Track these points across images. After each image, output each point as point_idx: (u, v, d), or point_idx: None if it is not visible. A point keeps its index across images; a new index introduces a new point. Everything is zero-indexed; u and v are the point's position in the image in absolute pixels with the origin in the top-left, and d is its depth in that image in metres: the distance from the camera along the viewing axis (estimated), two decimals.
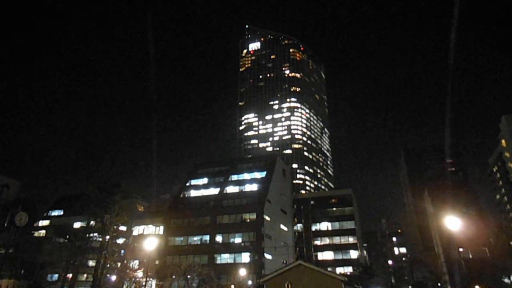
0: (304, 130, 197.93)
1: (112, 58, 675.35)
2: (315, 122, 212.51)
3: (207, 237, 67.94)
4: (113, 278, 48.27)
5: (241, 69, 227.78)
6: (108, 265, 44.62)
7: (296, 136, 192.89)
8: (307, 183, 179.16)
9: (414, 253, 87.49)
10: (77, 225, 74.45)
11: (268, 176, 76.33)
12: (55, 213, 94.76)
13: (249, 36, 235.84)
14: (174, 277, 52.53)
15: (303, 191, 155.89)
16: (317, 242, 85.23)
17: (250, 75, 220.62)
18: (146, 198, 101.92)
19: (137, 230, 74.96)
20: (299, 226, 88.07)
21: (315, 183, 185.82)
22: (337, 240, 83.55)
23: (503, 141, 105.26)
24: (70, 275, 53.53)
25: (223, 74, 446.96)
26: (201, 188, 79.79)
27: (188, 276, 50.77)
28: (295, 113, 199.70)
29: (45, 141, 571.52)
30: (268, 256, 63.49)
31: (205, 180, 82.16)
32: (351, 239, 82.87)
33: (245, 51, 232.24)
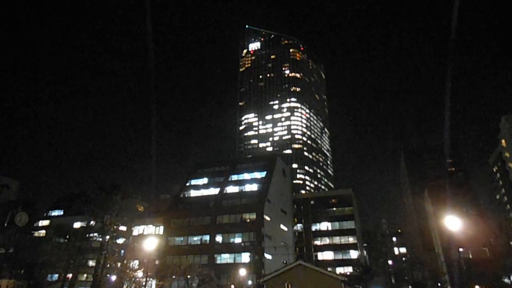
0: (304, 130, 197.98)
1: (112, 59, 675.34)
2: (315, 122, 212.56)
3: (207, 237, 67.91)
4: (113, 278, 48.22)
5: (241, 69, 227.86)
6: (108, 265, 44.53)
7: (296, 136, 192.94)
8: (307, 183, 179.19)
9: (414, 253, 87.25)
10: (77, 225, 74.37)
11: (268, 176, 76.31)
12: (55, 213, 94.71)
13: (249, 36, 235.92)
14: (174, 277, 52.51)
15: (303, 191, 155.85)
16: (317, 242, 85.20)
17: (250, 75, 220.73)
18: (146, 198, 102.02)
19: (137, 230, 74.94)
20: (299, 226, 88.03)
21: (315, 183, 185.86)
22: (337, 240, 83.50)
23: (503, 141, 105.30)
24: (70, 275, 53.46)
25: (223, 74, 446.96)
26: (201, 188, 79.76)
27: (188, 276, 50.76)
28: (295, 113, 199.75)
29: (45, 141, 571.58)
30: (268, 256, 63.46)
31: (205, 180, 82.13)
32: (351, 239, 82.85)
33: (245, 51, 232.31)
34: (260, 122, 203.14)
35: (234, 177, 79.97)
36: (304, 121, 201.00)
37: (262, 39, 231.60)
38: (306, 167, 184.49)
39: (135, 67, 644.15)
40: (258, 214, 66.43)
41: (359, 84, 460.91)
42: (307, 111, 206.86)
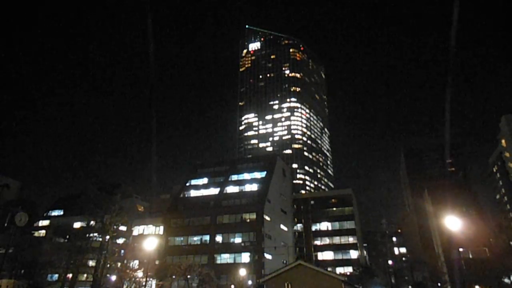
0: (304, 130, 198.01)
1: (112, 58, 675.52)
2: (315, 122, 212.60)
3: (207, 237, 67.92)
4: (113, 278, 48.28)
5: (241, 69, 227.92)
6: (108, 265, 44.61)
7: (296, 136, 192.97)
8: (307, 183, 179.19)
9: (414, 253, 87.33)
10: (77, 225, 74.39)
11: (268, 176, 76.31)
12: (55, 213, 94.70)
13: (249, 36, 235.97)
14: (174, 277, 52.51)
15: (303, 191, 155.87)
16: (317, 242, 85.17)
17: (250, 75, 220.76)
18: (146, 198, 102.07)
19: (137, 230, 74.97)
20: (299, 226, 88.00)
21: (315, 183, 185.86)
22: (337, 240, 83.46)
23: (503, 141, 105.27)
24: (70, 275, 53.50)
25: (223, 74, 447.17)
26: (201, 188, 79.77)
27: (188, 276, 50.74)
28: (295, 113, 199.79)
29: (45, 141, 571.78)
30: (268, 256, 63.47)
31: (205, 180, 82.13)
32: (351, 239, 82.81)
33: (245, 51, 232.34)
34: (260, 122, 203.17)
35: (234, 177, 79.97)
36: (304, 121, 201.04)
37: (262, 39, 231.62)
38: (306, 167, 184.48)
39: (135, 67, 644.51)
40: (258, 214, 66.43)
41: (359, 84, 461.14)
42: (307, 111, 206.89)
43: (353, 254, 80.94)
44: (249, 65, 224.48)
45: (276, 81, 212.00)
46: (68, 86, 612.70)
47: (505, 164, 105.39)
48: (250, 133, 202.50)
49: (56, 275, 62.89)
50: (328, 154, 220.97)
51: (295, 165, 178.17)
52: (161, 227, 72.35)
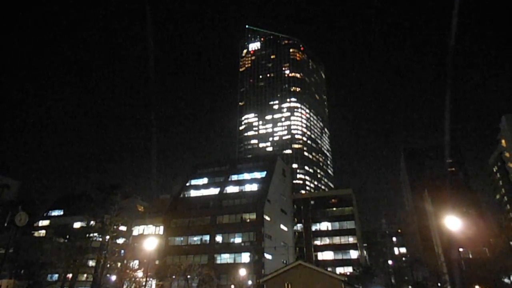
0: (304, 130, 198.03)
1: (112, 58, 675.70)
2: (315, 122, 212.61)
3: (207, 237, 67.92)
4: (113, 278, 48.27)
5: (241, 69, 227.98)
6: (108, 265, 44.53)
7: (296, 136, 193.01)
8: (307, 183, 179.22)
9: (414, 253, 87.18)
10: (77, 225, 74.44)
11: (268, 176, 76.28)
12: (55, 213, 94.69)
13: (249, 36, 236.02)
14: (174, 277, 52.57)
15: (303, 191, 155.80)
16: (317, 242, 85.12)
17: (250, 75, 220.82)
18: (146, 198, 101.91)
19: (137, 230, 74.95)
20: (299, 226, 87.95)
21: (315, 183, 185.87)
22: (337, 240, 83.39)
23: (503, 141, 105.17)
24: (70, 275, 53.44)
25: (223, 74, 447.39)
26: (201, 188, 79.76)
27: (188, 276, 50.78)
28: (295, 113, 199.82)
29: (45, 141, 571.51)
30: (268, 256, 63.45)
31: (205, 180, 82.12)
32: (351, 239, 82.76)
33: (245, 51, 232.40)
34: (260, 122, 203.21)
35: (234, 177, 79.94)
36: (304, 121, 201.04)
37: (262, 39, 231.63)
38: (306, 167, 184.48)
39: (136, 67, 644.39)
40: (258, 214, 66.42)
41: (359, 84, 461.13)
42: (307, 111, 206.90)
43: (353, 254, 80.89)
44: (249, 65, 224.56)
45: (276, 81, 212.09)
46: (68, 85, 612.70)
47: (505, 164, 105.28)
48: (250, 133, 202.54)
49: (56, 275, 62.82)
50: (328, 154, 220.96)
51: (295, 165, 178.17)
52: (161, 227, 72.33)
